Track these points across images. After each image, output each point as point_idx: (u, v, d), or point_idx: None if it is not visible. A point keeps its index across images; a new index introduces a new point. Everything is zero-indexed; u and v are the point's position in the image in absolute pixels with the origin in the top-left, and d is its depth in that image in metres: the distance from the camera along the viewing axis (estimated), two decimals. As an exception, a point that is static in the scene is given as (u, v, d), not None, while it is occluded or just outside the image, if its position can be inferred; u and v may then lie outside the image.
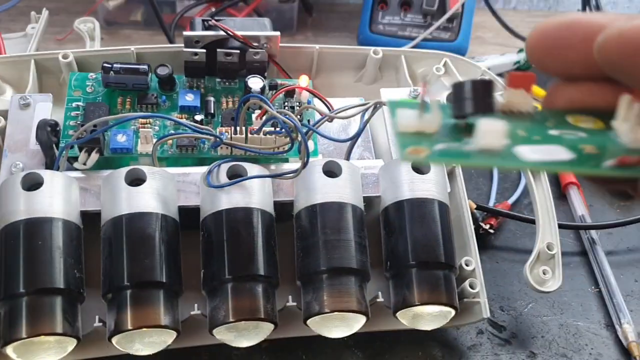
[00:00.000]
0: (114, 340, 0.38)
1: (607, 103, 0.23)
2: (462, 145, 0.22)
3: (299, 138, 0.39)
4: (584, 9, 0.82)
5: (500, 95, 0.24)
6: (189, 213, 0.41)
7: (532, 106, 0.24)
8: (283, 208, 0.42)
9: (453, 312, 0.41)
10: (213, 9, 0.70)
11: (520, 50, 0.74)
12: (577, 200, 0.56)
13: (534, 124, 0.24)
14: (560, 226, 0.46)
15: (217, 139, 0.40)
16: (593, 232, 0.54)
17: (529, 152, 0.22)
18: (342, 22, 0.78)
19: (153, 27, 0.71)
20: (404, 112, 0.23)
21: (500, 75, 0.57)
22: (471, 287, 0.42)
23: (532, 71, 0.24)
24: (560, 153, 0.22)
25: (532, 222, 0.47)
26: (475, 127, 0.22)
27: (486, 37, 0.81)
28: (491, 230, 0.53)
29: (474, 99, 0.23)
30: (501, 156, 0.21)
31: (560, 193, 0.58)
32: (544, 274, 0.43)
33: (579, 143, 0.22)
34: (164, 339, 0.39)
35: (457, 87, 0.23)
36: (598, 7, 0.81)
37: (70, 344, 0.38)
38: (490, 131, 0.21)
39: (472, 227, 0.45)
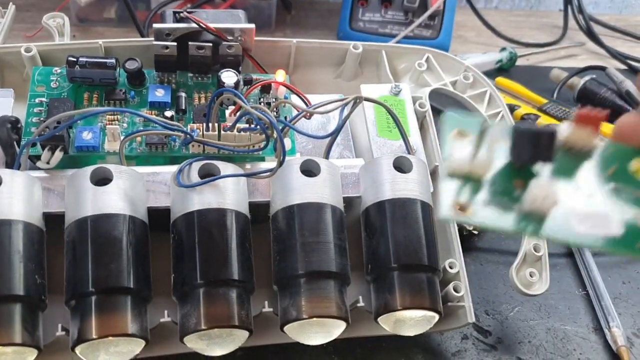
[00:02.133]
0: (78, 350, 0.36)
1: None
2: (511, 201, 0.22)
3: (275, 135, 0.37)
4: (565, 9, 0.81)
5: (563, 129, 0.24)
6: (158, 214, 0.39)
7: (595, 146, 0.24)
8: (259, 209, 0.40)
9: (437, 317, 0.39)
10: (189, 6, 0.68)
11: (503, 49, 0.73)
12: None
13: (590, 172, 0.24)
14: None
15: (188, 136, 0.38)
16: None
17: (576, 221, 0.21)
18: (322, 19, 0.76)
19: (127, 25, 0.69)
20: (459, 148, 0.23)
21: (485, 73, 0.55)
22: (455, 290, 0.41)
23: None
24: (609, 225, 0.22)
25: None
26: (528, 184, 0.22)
27: (468, 36, 0.80)
28: (475, 232, 0.51)
29: (535, 147, 0.23)
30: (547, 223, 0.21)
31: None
32: (530, 276, 0.42)
33: (635, 211, 0.22)
34: (132, 349, 0.37)
35: (519, 134, 0.23)
36: (580, 8, 0.80)
37: (30, 354, 0.36)
38: (541, 189, 0.22)
39: (456, 228, 0.43)
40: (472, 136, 0.24)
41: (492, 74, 0.69)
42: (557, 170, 0.23)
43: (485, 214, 0.22)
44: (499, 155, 0.23)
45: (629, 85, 0.67)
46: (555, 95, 0.67)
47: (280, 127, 0.38)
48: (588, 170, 0.24)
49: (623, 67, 0.77)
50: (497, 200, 0.22)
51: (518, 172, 0.23)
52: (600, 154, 0.24)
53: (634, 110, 0.25)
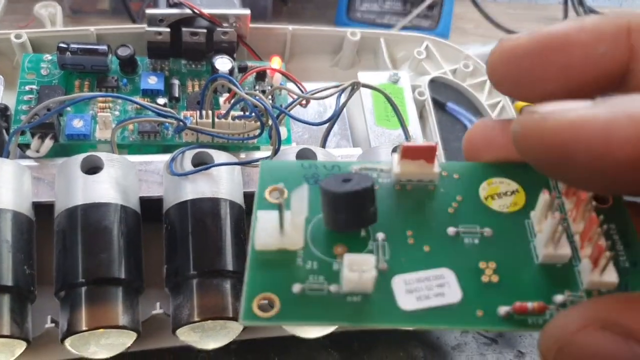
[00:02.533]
0: (68, 342, 0.35)
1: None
2: (328, 281, 0.18)
3: (270, 122, 0.36)
4: (565, 1, 0.80)
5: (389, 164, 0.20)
6: (151, 204, 0.38)
7: (436, 177, 0.20)
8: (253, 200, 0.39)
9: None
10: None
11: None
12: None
13: (427, 216, 0.19)
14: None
15: (181, 123, 0.37)
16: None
17: (401, 295, 0.18)
18: (319, 11, 0.75)
19: (121, 16, 0.68)
20: (267, 219, 0.19)
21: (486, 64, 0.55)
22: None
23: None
24: (447, 290, 0.18)
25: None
26: (342, 267, 0.18)
27: (467, 28, 0.79)
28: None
29: (351, 210, 0.19)
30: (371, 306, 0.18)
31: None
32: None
33: (479, 259, 0.19)
34: (123, 341, 0.36)
35: (327, 197, 0.19)
36: (580, 0, 0.79)
37: (19, 346, 0.35)
38: (357, 264, 0.18)
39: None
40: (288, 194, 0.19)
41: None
42: (386, 220, 0.19)
43: (294, 309, 0.17)
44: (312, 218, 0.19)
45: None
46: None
47: (276, 114, 0.37)
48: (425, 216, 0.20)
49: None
50: (309, 284, 0.18)
51: (339, 235, 0.19)
52: (440, 192, 0.20)
53: (481, 119, 0.21)
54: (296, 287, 0.18)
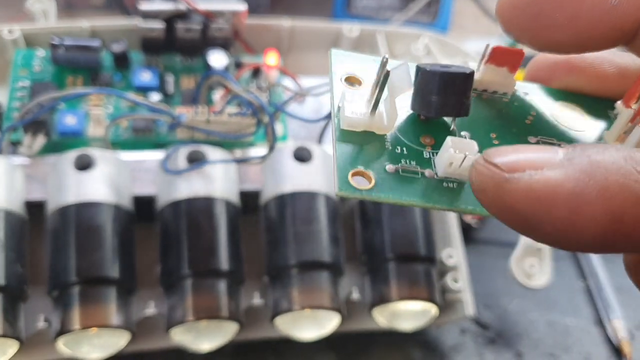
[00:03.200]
0: (60, 341, 0.34)
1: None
2: (420, 165, 0.18)
3: (266, 119, 0.36)
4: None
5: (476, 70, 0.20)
6: (145, 203, 0.37)
7: (512, 89, 0.20)
8: (250, 198, 0.39)
9: (435, 310, 0.38)
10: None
11: (501, 37, 0.71)
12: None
13: (508, 123, 0.19)
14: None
15: (175, 120, 0.36)
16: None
17: None
18: (318, 5, 0.74)
19: (116, 10, 0.67)
20: (352, 98, 0.18)
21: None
22: (455, 281, 0.39)
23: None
24: None
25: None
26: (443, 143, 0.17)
27: (466, 24, 0.78)
28: (475, 226, 0.49)
29: (446, 94, 0.18)
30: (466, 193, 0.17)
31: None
32: (530, 267, 0.40)
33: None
34: (117, 341, 0.35)
35: (424, 76, 0.18)
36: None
37: (12, 346, 0.34)
38: (459, 147, 0.17)
39: (456, 217, 0.42)
40: (368, 81, 0.19)
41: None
42: (469, 121, 0.19)
43: (389, 185, 0.17)
44: (404, 105, 0.18)
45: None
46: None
47: (273, 111, 0.36)
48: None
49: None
50: (402, 165, 0.17)
51: (426, 127, 0.18)
52: (515, 105, 0.20)
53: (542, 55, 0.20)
54: (390, 167, 0.17)
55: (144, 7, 0.41)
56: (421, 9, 0.65)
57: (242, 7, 0.42)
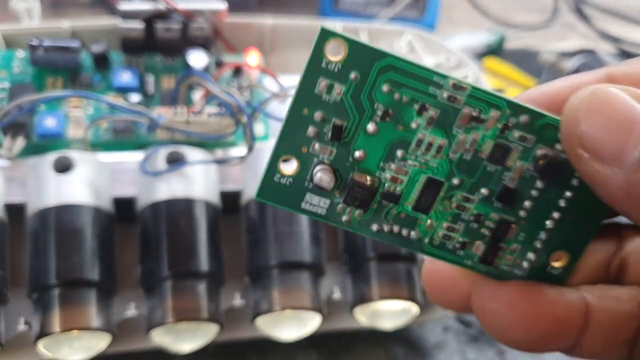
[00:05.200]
0: (41, 344, 0.34)
1: None
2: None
3: (244, 120, 0.36)
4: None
5: None
6: (125, 204, 0.37)
7: None
8: (231, 198, 0.38)
9: (415, 309, 0.38)
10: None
11: (490, 30, 0.71)
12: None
13: None
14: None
15: (153, 122, 0.36)
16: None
17: None
18: (305, 2, 0.74)
19: (102, 8, 0.67)
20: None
21: (474, 55, 0.54)
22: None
23: None
24: None
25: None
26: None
27: (456, 17, 0.78)
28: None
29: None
30: None
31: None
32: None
33: None
34: (97, 343, 0.35)
35: None
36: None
37: (-9, 349, 0.34)
38: None
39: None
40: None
41: (481, 55, 0.68)
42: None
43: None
44: None
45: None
46: (543, 78, 0.66)
47: (251, 112, 0.36)
48: None
49: (613, 49, 0.75)
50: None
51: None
52: None
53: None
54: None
55: (123, 7, 0.41)
56: (409, 4, 0.65)
57: (222, 5, 0.42)
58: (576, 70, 0.66)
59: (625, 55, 0.74)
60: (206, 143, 0.39)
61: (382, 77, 0.17)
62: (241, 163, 0.37)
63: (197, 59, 0.40)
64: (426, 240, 0.19)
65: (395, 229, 0.18)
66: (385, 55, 0.17)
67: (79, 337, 0.35)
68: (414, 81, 0.17)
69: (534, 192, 0.18)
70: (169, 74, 0.42)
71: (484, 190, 0.18)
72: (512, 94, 0.61)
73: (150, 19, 0.40)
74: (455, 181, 0.18)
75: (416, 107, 0.17)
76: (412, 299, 0.37)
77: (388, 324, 0.38)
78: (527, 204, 0.18)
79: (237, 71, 0.42)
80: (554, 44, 0.75)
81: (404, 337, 0.42)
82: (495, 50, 0.71)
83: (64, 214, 0.35)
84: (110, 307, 0.35)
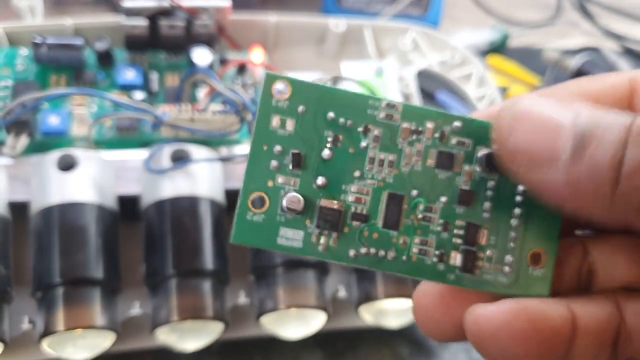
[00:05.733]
0: (45, 342, 0.34)
1: None
2: None
3: (249, 117, 0.35)
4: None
5: None
6: (129, 202, 0.37)
7: None
8: (236, 196, 0.38)
9: None
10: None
11: (494, 28, 0.71)
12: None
13: None
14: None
15: (157, 119, 0.36)
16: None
17: None
18: (307, 0, 0.74)
19: (105, 6, 0.67)
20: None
21: (478, 53, 0.54)
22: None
23: None
24: None
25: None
26: None
27: (459, 15, 0.78)
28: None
29: None
30: None
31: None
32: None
33: None
34: (101, 342, 0.35)
35: None
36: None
37: (-4, 348, 0.34)
38: None
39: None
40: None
41: (484, 53, 0.67)
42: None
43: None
44: None
45: (622, 66, 0.65)
46: (547, 76, 0.66)
47: (255, 109, 0.36)
48: None
49: (618, 47, 0.75)
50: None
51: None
52: None
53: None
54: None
55: (127, 4, 0.40)
56: (412, 1, 0.65)
57: (226, 2, 0.42)
58: (580, 68, 0.66)
59: (629, 53, 0.74)
60: (211, 141, 0.39)
61: (325, 107, 0.19)
62: (246, 161, 0.37)
63: (202, 56, 0.40)
64: (404, 258, 0.19)
65: (372, 250, 0.19)
66: (324, 89, 0.19)
67: (83, 336, 0.35)
68: (352, 107, 0.19)
69: (489, 192, 0.19)
70: (173, 72, 0.42)
71: (443, 198, 0.19)
72: (516, 91, 0.61)
73: (154, 16, 0.40)
74: (414, 192, 0.19)
75: (360, 129, 0.19)
76: None
77: (393, 323, 0.38)
78: (486, 205, 0.19)
79: (242, 68, 0.42)
80: (557, 42, 0.75)
81: (409, 336, 0.42)
82: (498, 48, 0.70)
83: (68, 212, 0.35)
84: (114, 305, 0.35)
